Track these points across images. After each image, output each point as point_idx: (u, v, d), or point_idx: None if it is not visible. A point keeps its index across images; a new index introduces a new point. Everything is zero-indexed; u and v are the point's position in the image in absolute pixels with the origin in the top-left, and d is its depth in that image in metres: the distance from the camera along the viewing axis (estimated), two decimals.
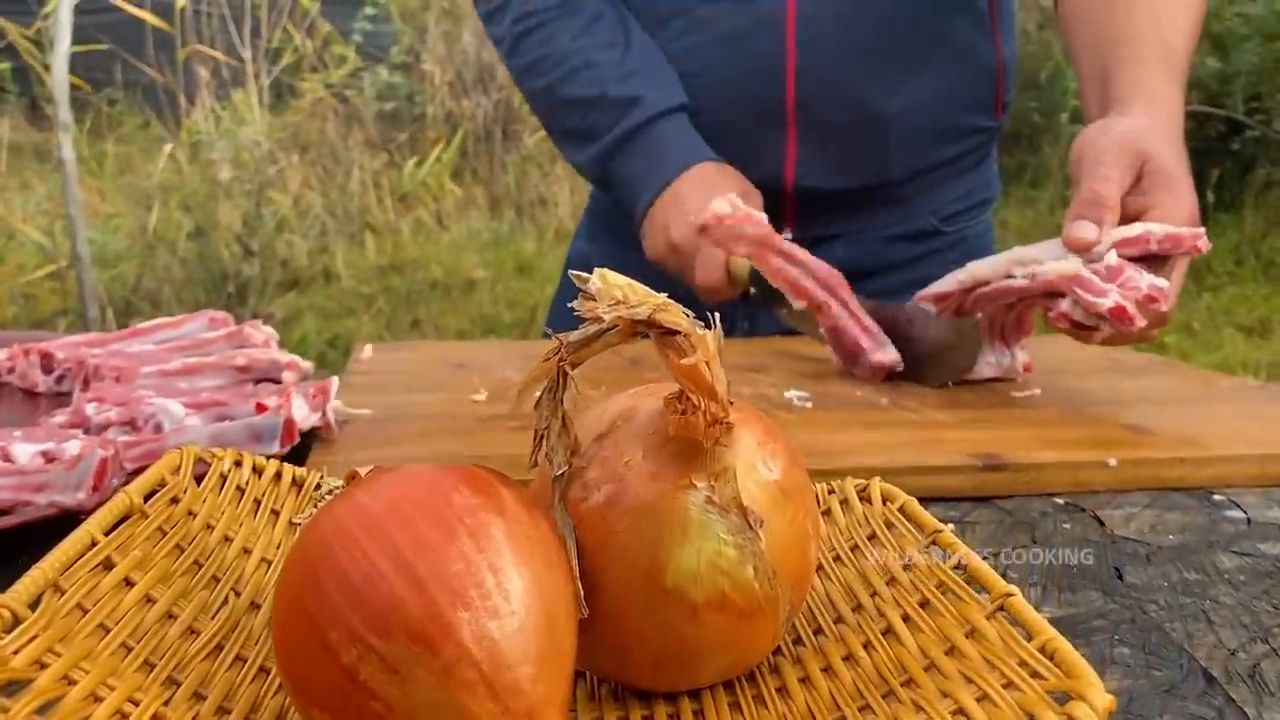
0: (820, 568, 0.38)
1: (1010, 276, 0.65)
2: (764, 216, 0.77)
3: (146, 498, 0.35)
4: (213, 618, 0.33)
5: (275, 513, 0.40)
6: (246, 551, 0.37)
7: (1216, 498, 0.54)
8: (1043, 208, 4.08)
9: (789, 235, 0.89)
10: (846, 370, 0.74)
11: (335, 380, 0.58)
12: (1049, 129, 4.08)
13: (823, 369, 0.76)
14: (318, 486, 0.41)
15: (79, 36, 2.85)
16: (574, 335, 0.29)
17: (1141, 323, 0.59)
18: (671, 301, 0.29)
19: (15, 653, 0.27)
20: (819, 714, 0.31)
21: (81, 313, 2.93)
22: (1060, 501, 0.53)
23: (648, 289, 0.29)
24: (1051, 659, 0.28)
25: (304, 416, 0.53)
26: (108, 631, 0.30)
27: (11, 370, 0.73)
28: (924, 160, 0.87)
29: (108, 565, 0.32)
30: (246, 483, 0.40)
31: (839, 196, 0.85)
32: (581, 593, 0.30)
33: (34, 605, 0.28)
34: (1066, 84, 4.08)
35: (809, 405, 0.65)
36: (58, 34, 2.64)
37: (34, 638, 0.27)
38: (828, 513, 0.41)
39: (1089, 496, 0.54)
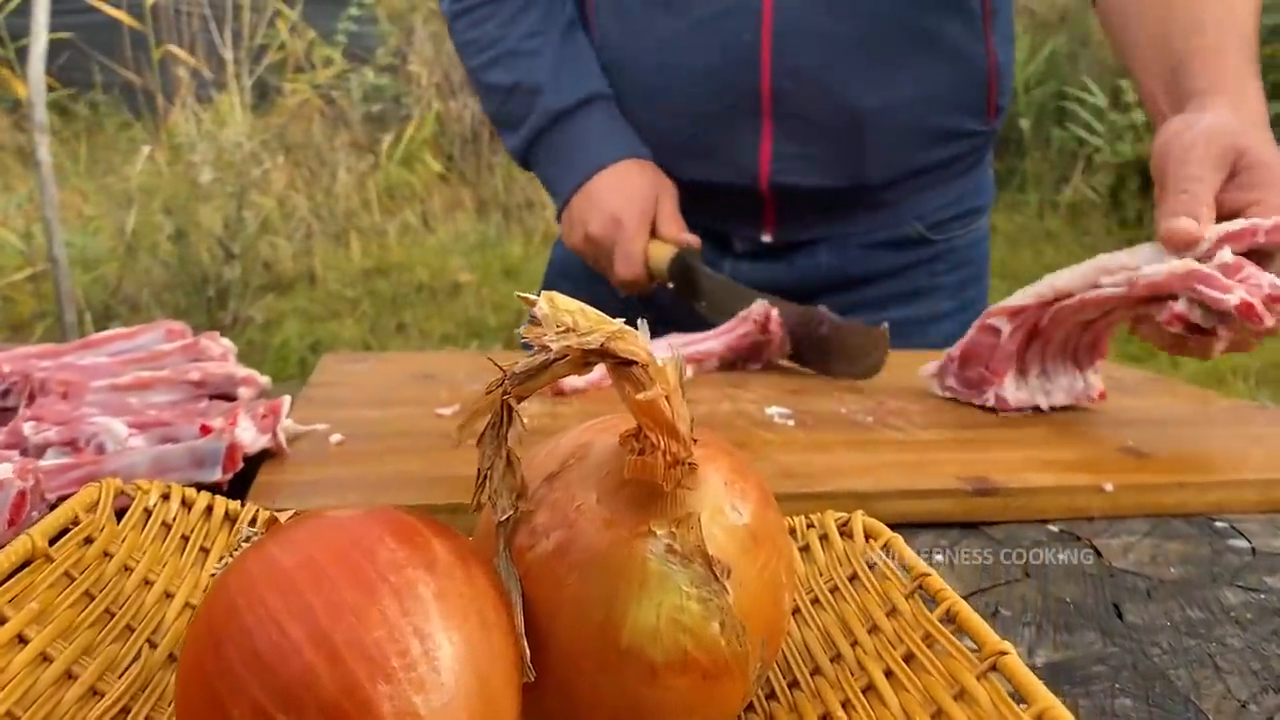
0: (797, 610, 0.35)
1: (1097, 287, 0.59)
2: (697, 240, 0.78)
3: (55, 539, 0.32)
4: (121, 676, 0.30)
5: (205, 550, 0.36)
6: (169, 596, 0.34)
7: (1218, 525, 0.51)
8: (1030, 212, 4.07)
9: (768, 238, 0.86)
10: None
11: (287, 399, 0.55)
12: (1037, 133, 4.07)
13: (805, 384, 0.73)
14: (253, 521, 0.38)
15: (55, 39, 2.81)
16: (519, 365, 0.26)
17: (1270, 322, 0.53)
18: (628, 328, 0.26)
19: None
20: None
21: (59, 316, 2.88)
22: (1054, 529, 0.50)
23: (600, 314, 0.26)
24: None
25: (251, 439, 0.50)
26: None
27: None
28: (906, 162, 0.84)
29: None
30: (174, 518, 0.36)
31: (817, 197, 0.82)
32: (527, 653, 0.26)
33: None
34: (1059, 87, 4.07)
35: (790, 423, 0.62)
36: (33, 33, 2.59)
37: None
38: (806, 549, 0.38)
39: (1084, 523, 0.51)
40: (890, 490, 0.50)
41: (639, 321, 0.27)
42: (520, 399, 0.27)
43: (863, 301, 0.87)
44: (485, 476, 0.28)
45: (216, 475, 0.47)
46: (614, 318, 0.26)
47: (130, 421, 0.55)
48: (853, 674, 0.31)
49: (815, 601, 0.35)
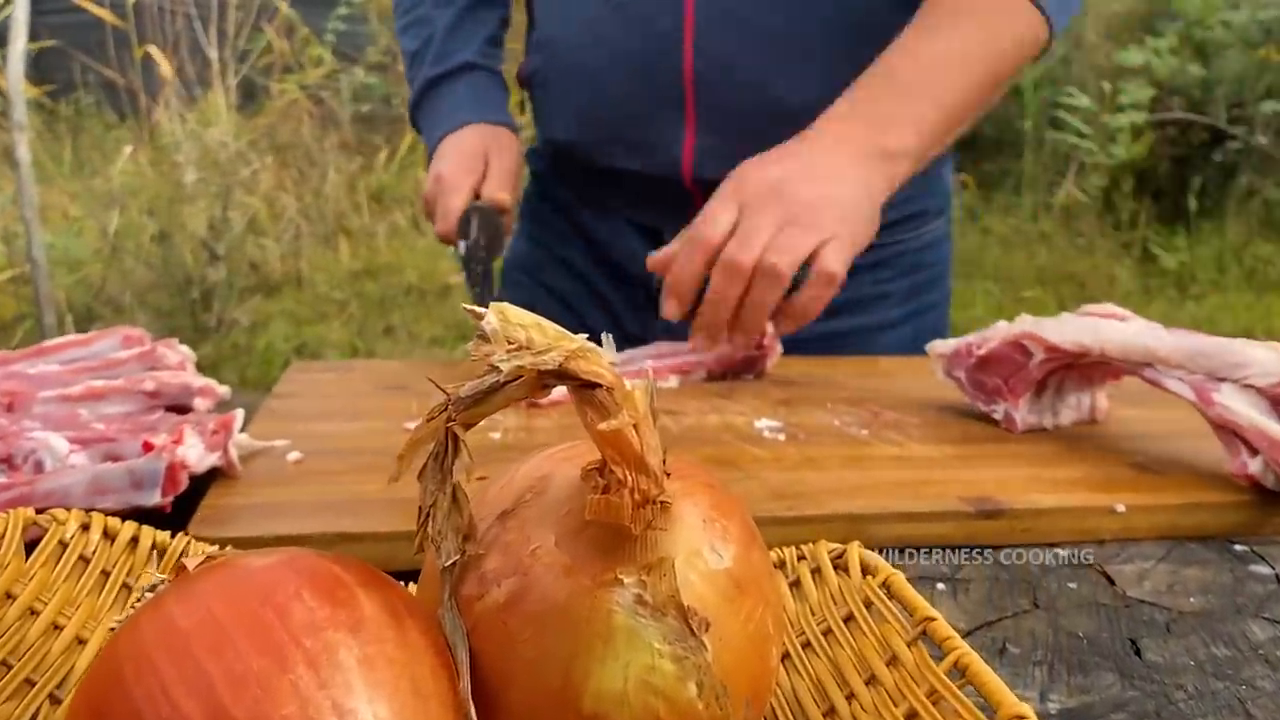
0: (787, 656, 0.32)
1: (1149, 365, 0.54)
2: (507, 198, 0.79)
3: None
4: None
5: (127, 587, 0.33)
6: (80, 642, 0.30)
7: (1238, 548, 0.48)
8: (1024, 214, 4.05)
9: None
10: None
11: (240, 413, 0.51)
12: (1033, 135, 4.05)
13: (796, 394, 0.70)
14: (184, 551, 0.34)
15: (35, 36, 2.76)
16: (465, 388, 0.23)
17: None
18: (591, 345, 0.23)
19: None
20: None
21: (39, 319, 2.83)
22: (1063, 553, 0.47)
23: (560, 329, 0.23)
24: None
25: (198, 457, 0.46)
26: None
27: None
28: None
29: None
30: (94, 551, 0.33)
31: None
32: None
33: None
34: (1052, 90, 4.05)
35: (781, 437, 0.59)
36: (13, 32, 2.54)
37: None
38: (797, 584, 0.34)
39: (1095, 547, 0.48)
40: (888, 513, 0.47)
41: (604, 337, 0.23)
42: (467, 425, 0.23)
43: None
44: (428, 515, 0.24)
45: (156, 499, 0.43)
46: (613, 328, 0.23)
47: (72, 437, 0.52)
48: None
49: (807, 645, 0.32)
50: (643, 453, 0.22)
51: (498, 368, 0.22)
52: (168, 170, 3.54)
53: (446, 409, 0.23)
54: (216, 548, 0.34)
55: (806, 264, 0.63)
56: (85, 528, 0.33)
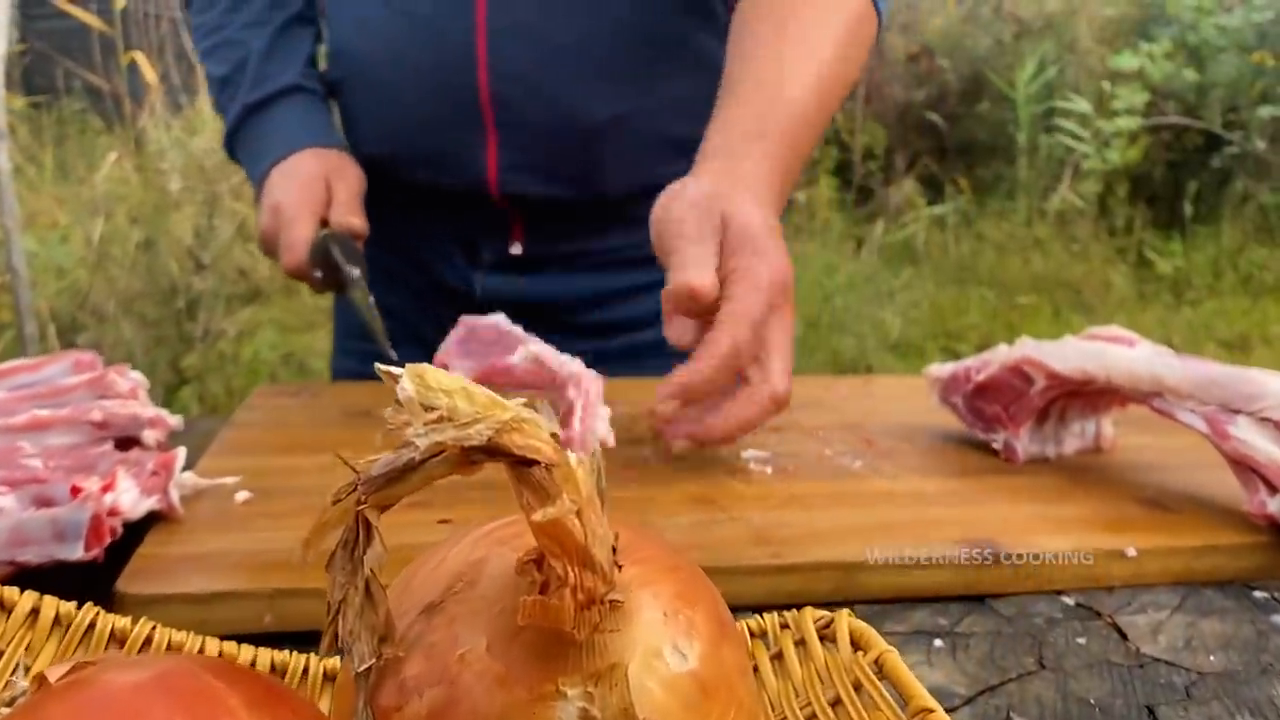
0: None
1: (1158, 394, 0.51)
2: (360, 223, 0.74)
3: None
4: None
5: (26, 668, 0.29)
6: None
7: (1258, 595, 0.44)
8: (1018, 220, 4.02)
9: (518, 250, 0.81)
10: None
11: (181, 452, 0.47)
12: (1027, 140, 4.03)
13: (787, 419, 0.66)
14: (91, 625, 0.30)
15: (22, 41, 2.72)
16: (377, 466, 0.19)
17: None
18: (528, 413, 0.19)
19: None
20: None
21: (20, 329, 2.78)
22: (1070, 602, 0.44)
23: (492, 396, 0.19)
24: None
25: (132, 503, 0.42)
26: None
27: None
28: (650, 175, 0.74)
29: None
30: None
31: (559, 209, 0.76)
32: None
33: None
34: (1046, 95, 4.03)
35: (768, 470, 0.55)
36: None
37: None
38: (779, 657, 0.31)
39: (1104, 595, 0.44)
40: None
41: (541, 405, 0.20)
42: (383, 507, 0.20)
43: (622, 321, 0.82)
44: (338, 612, 0.20)
45: (78, 552, 0.39)
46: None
47: (3, 477, 0.48)
48: None
49: None
50: (587, 544, 0.19)
51: (414, 443, 0.18)
52: (153, 178, 3.50)
53: (355, 490, 0.19)
54: (129, 621, 0.30)
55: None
56: None
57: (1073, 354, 0.53)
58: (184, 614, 0.39)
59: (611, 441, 0.47)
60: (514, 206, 0.79)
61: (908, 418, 0.67)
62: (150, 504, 0.44)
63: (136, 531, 0.44)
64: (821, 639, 0.30)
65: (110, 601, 0.39)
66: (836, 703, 0.28)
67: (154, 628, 0.30)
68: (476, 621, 0.20)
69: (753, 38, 0.64)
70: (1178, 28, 3.93)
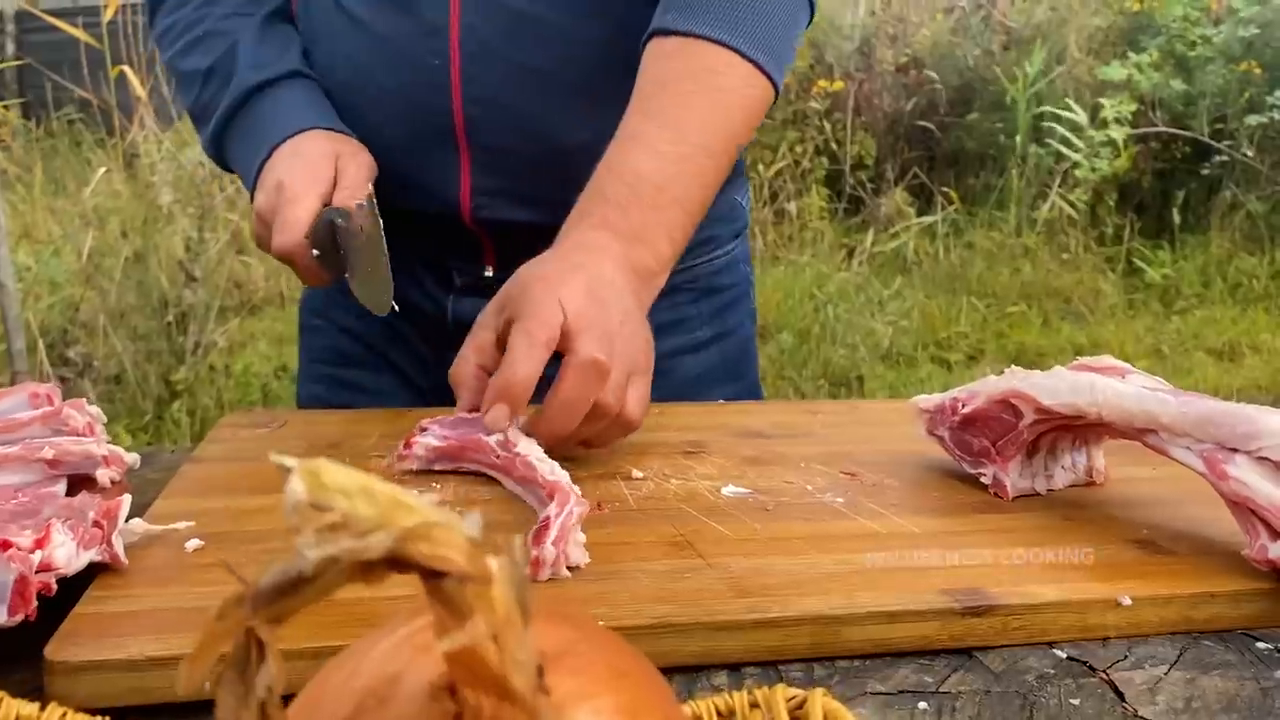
0: None
1: (1153, 431, 0.49)
2: (368, 187, 0.72)
3: None
4: None
5: None
6: None
7: (1261, 646, 0.42)
8: (1008, 229, 4.02)
9: (490, 273, 0.80)
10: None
11: (127, 499, 0.45)
12: (1014, 150, 4.03)
13: (768, 450, 0.64)
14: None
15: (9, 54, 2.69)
16: (266, 579, 0.17)
17: None
18: (442, 518, 0.17)
19: None
20: None
21: (8, 344, 2.74)
22: (1062, 655, 0.41)
23: (397, 495, 0.17)
24: None
25: (68, 558, 0.40)
26: None
27: None
28: None
29: None
30: None
31: (532, 233, 0.73)
32: None
33: None
34: (1037, 104, 4.04)
35: (748, 507, 0.53)
36: None
37: None
38: None
39: (1098, 647, 0.42)
40: (863, 613, 0.41)
41: (470, 515, 0.17)
42: (276, 623, 0.17)
43: None
44: None
45: (2, 616, 0.37)
46: None
47: None
48: None
49: None
50: (504, 671, 0.16)
51: (304, 555, 0.16)
52: (143, 191, 3.47)
53: (243, 606, 0.17)
54: (36, 709, 0.28)
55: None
56: None
57: (1063, 387, 0.51)
58: (119, 682, 0.37)
59: (584, 563, 0.44)
60: (486, 230, 0.78)
61: (894, 445, 0.65)
62: (90, 556, 0.42)
63: (83, 581, 0.42)
64: None
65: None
66: None
67: (64, 715, 0.28)
68: None
69: (645, 114, 0.66)
70: (1165, 38, 3.94)
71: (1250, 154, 3.76)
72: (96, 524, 0.43)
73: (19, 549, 0.38)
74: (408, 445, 0.57)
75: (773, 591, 0.42)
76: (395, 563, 0.16)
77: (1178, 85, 3.80)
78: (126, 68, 3.48)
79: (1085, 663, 0.41)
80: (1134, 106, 3.79)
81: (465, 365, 0.60)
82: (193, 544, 0.47)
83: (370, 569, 0.16)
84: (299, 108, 0.75)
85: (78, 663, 0.36)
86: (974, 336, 3.55)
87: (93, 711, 0.31)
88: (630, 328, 0.59)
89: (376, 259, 0.71)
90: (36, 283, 3.27)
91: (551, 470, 0.49)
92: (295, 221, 0.67)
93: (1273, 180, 3.79)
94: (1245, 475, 0.44)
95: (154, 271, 3.25)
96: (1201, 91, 3.78)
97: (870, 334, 3.42)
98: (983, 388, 0.56)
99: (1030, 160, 3.98)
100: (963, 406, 0.56)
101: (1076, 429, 0.54)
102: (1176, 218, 3.91)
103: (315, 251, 0.68)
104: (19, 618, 0.37)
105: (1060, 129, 3.87)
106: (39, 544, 0.39)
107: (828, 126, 4.25)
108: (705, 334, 0.85)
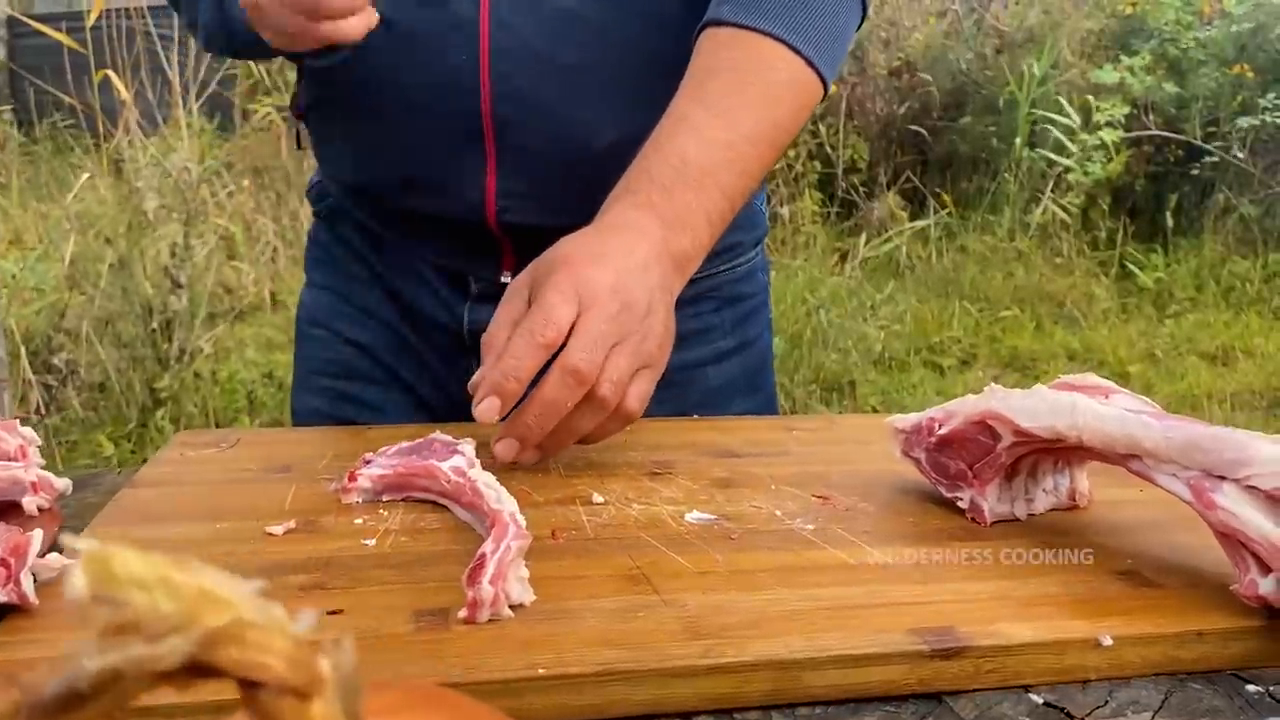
0: None
1: (1136, 457, 0.46)
2: None
3: None
4: None
5: None
6: None
7: (1251, 689, 0.39)
8: (1001, 233, 4.00)
9: (508, 279, 0.77)
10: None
11: (38, 535, 0.42)
12: (1007, 154, 4.01)
13: (738, 470, 0.61)
14: None
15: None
16: (49, 687, 0.14)
17: None
18: (262, 611, 0.14)
19: None
20: None
21: None
22: (1038, 700, 0.39)
23: (210, 587, 0.14)
24: None
25: None
26: None
27: None
28: None
29: None
30: None
31: (552, 236, 0.71)
32: None
33: None
34: (1029, 108, 4.02)
35: (711, 535, 0.50)
36: None
37: None
38: None
39: (1077, 691, 0.39)
40: (824, 657, 0.38)
41: (302, 613, 0.14)
42: None
43: None
44: None
45: None
46: None
47: None
48: None
49: None
50: None
51: (83, 665, 0.13)
52: (128, 196, 3.44)
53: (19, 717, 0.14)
54: None
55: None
56: None
57: (1042, 409, 0.48)
58: None
59: (529, 601, 0.41)
60: (507, 234, 0.75)
61: (871, 465, 0.62)
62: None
63: None
64: None
65: None
66: None
67: None
68: None
69: (695, 100, 0.64)
70: (1158, 41, 3.92)
71: (1243, 157, 3.75)
72: (3, 561, 0.40)
73: None
74: (352, 478, 0.54)
75: (730, 632, 0.40)
76: (196, 673, 0.14)
77: (1170, 88, 3.78)
78: (111, 72, 3.45)
79: (1063, 709, 0.38)
80: (1126, 110, 3.77)
81: (499, 331, 0.58)
82: None
83: (172, 676, 0.14)
84: None
85: None
86: (967, 341, 3.53)
87: None
88: (650, 321, 0.57)
89: None
90: (20, 288, 3.23)
91: (498, 498, 0.46)
92: None
93: (1266, 183, 3.77)
94: (1234, 505, 0.41)
95: (139, 278, 3.21)
96: (1194, 94, 3.76)
97: (863, 338, 3.40)
98: (960, 408, 0.53)
99: (1024, 164, 3.97)
100: (939, 427, 0.53)
101: (1058, 450, 0.52)
102: (1169, 221, 3.89)
103: None
104: None
105: (1054, 132, 3.85)
106: None
107: (820, 130, 4.23)
108: (728, 344, 0.83)
